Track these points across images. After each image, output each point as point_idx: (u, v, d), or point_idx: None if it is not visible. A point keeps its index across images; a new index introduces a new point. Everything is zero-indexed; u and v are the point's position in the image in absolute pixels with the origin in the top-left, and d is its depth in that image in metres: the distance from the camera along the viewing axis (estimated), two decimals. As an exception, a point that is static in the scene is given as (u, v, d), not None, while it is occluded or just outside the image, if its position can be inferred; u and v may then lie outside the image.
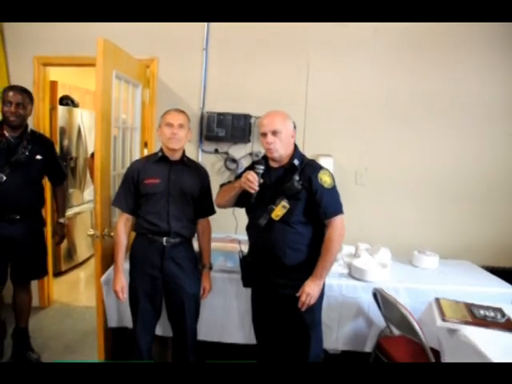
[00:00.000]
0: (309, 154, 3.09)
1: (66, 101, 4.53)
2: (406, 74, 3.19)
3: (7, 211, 2.55)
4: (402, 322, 2.07)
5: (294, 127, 3.13)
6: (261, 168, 2.07)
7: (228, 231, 2.94)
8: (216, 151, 3.32)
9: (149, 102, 3.26)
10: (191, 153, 3.13)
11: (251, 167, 2.18)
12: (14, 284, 2.75)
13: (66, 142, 4.39)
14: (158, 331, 2.51)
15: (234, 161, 3.31)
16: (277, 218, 2.04)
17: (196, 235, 2.41)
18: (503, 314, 1.99)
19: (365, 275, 2.49)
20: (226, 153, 3.32)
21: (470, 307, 2.07)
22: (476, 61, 3.15)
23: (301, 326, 2.10)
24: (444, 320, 1.93)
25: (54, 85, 4.37)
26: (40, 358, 2.79)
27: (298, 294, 2.04)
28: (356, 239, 2.95)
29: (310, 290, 2.02)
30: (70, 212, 4.43)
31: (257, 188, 2.01)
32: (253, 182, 2.00)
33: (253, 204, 2.08)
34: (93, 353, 2.65)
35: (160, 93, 3.26)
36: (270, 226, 2.07)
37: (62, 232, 2.97)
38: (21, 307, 2.78)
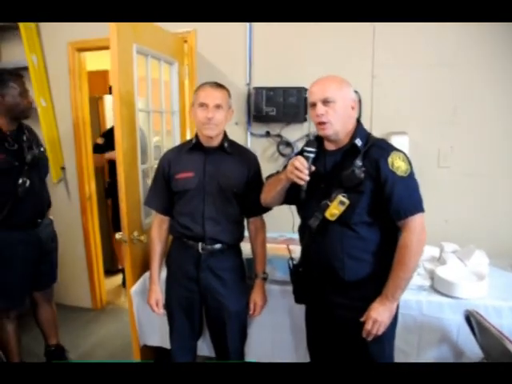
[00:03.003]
0: (378, 133, 2.53)
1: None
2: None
3: (33, 217, 2.26)
4: (506, 360, 1.50)
5: (360, 100, 2.68)
6: (311, 151, 1.59)
7: (283, 230, 2.46)
8: (267, 134, 2.85)
9: (189, 81, 2.86)
10: (239, 137, 2.68)
11: (302, 152, 1.69)
12: (35, 297, 2.43)
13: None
14: (203, 351, 2.17)
15: (288, 144, 2.81)
16: (332, 218, 1.55)
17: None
18: None
19: (453, 290, 1.89)
20: (279, 135, 2.83)
21: None
22: None
23: (365, 359, 1.61)
24: None
25: (104, 74, 4.21)
26: None
27: (362, 319, 1.55)
28: (440, 237, 2.33)
29: (377, 316, 1.52)
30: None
31: (307, 178, 1.53)
32: (301, 169, 1.52)
33: (303, 200, 1.61)
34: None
35: (200, 69, 2.84)
36: (323, 229, 1.59)
37: None
38: (48, 321, 2.50)
